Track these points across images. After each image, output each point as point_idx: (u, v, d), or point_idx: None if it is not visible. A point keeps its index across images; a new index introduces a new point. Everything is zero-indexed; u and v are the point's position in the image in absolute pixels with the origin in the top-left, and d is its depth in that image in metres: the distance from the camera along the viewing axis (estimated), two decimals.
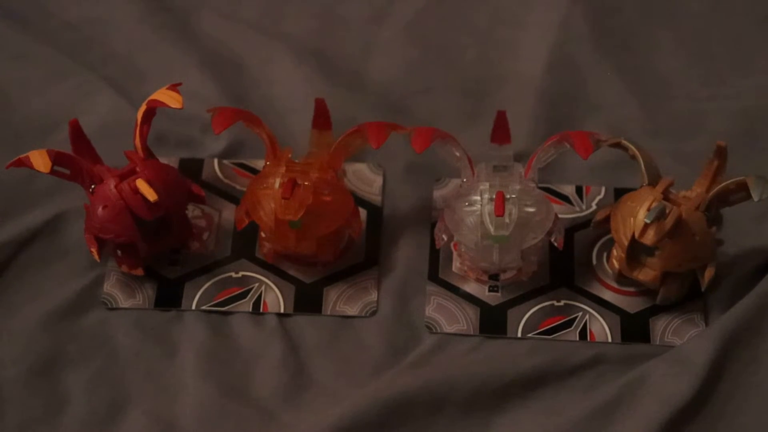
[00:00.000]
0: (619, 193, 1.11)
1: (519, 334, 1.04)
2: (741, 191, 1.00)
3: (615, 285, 1.07)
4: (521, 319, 1.05)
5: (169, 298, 1.07)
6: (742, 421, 0.99)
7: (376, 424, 0.98)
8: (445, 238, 1.05)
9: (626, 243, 1.02)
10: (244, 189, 1.10)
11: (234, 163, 1.15)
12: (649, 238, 1.00)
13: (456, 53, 1.25)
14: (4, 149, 1.12)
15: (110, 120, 1.17)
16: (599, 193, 1.13)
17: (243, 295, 1.07)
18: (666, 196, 1.01)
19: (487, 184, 1.03)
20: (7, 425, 0.99)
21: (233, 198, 1.13)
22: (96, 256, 1.05)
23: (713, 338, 1.01)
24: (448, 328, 1.05)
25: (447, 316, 1.06)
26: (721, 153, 1.03)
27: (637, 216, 1.01)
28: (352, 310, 1.06)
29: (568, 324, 1.05)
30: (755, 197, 0.97)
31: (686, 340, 1.03)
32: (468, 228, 1.03)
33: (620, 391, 0.99)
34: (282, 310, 1.06)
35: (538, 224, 1.03)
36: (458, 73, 1.23)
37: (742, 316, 1.02)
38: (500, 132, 1.09)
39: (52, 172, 1.02)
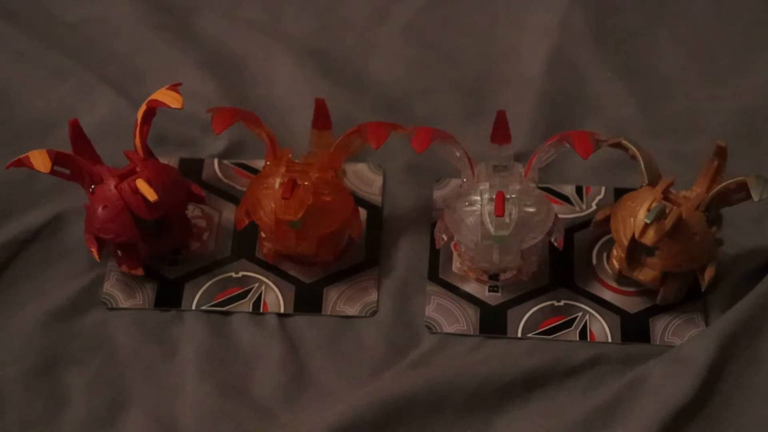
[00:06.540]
0: (619, 193, 1.11)
1: (519, 334, 1.04)
2: (741, 191, 1.00)
3: (615, 285, 1.07)
4: (521, 319, 1.05)
5: (169, 298, 1.07)
6: (742, 421, 0.98)
7: (376, 423, 0.98)
8: (445, 238, 1.05)
9: (626, 243, 1.02)
10: (244, 189, 1.10)
11: (234, 163, 1.15)
12: (649, 238, 1.00)
13: (456, 53, 1.25)
14: (4, 149, 1.12)
15: (110, 120, 1.17)
16: (599, 193, 1.13)
17: (243, 295, 1.07)
18: (666, 196, 1.01)
19: (487, 184, 1.03)
20: (7, 425, 0.99)
21: (233, 198, 1.13)
22: (96, 256, 1.05)
23: (713, 338, 1.01)
24: (448, 328, 1.05)
25: (447, 316, 1.06)
26: (721, 153, 1.03)
27: (637, 216, 1.01)
28: (352, 310, 1.06)
29: (568, 324, 1.05)
30: (755, 197, 0.97)
31: (686, 340, 1.03)
32: (468, 228, 1.03)
33: (620, 391, 0.99)
34: (282, 310, 1.06)
35: (538, 224, 1.03)
36: (458, 73, 1.23)
37: (742, 316, 1.02)
38: (500, 132, 1.09)
39: (52, 172, 1.02)
